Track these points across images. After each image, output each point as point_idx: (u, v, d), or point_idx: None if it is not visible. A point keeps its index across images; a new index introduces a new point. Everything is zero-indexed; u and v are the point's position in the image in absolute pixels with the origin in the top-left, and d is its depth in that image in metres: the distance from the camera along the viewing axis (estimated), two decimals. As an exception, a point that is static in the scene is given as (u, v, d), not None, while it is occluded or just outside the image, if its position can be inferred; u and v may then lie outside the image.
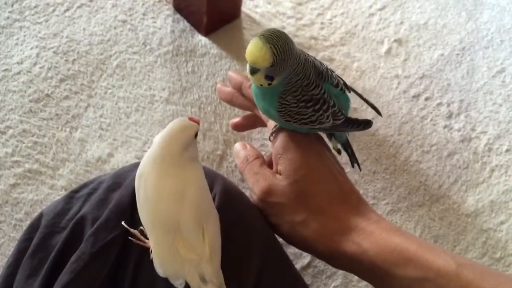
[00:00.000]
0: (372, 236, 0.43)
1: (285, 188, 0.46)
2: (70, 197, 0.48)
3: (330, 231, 0.45)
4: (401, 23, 0.85)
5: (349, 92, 0.49)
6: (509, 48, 0.84)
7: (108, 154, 0.67)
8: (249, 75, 0.42)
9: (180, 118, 0.42)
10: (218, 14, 0.77)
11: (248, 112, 0.57)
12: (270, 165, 0.51)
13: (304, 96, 0.44)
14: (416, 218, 0.69)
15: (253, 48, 0.40)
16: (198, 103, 0.72)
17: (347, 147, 0.54)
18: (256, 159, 0.50)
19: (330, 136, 0.52)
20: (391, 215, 0.69)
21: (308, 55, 0.45)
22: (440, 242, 0.68)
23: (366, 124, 0.49)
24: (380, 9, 0.85)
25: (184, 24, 0.78)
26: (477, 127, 0.77)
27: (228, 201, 0.46)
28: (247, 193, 0.52)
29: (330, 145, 0.53)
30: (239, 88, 0.53)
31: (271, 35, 0.40)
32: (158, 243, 0.41)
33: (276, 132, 0.49)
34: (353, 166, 0.55)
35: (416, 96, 0.78)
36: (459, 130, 0.76)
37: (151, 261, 0.43)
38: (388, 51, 0.82)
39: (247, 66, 0.42)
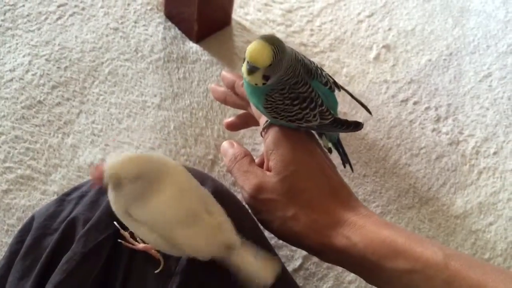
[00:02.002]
0: (362, 230, 0.44)
1: (276, 185, 0.47)
2: (62, 200, 0.48)
3: (320, 225, 0.45)
4: (389, 29, 0.86)
5: (339, 90, 0.50)
6: (495, 53, 0.86)
7: (100, 160, 0.68)
8: (245, 75, 0.43)
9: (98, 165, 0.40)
10: (209, 21, 0.78)
11: (241, 112, 0.57)
12: (260, 164, 0.51)
13: (291, 94, 0.45)
14: (406, 220, 0.70)
15: (256, 48, 0.42)
16: (189, 108, 0.73)
17: (339, 146, 0.54)
18: (244, 157, 0.50)
19: (320, 135, 0.53)
20: (381, 217, 0.70)
21: (298, 53, 0.46)
22: (430, 243, 0.69)
23: (356, 125, 0.50)
24: (369, 16, 0.87)
25: (175, 31, 0.78)
26: (465, 130, 0.78)
27: (219, 201, 0.46)
28: (238, 196, 0.52)
29: (321, 143, 0.53)
30: (232, 87, 0.54)
31: (270, 38, 0.42)
32: (192, 238, 0.41)
33: (267, 127, 0.50)
34: (344, 166, 0.56)
35: (405, 101, 0.79)
36: (447, 134, 0.77)
37: (142, 261, 0.43)
38: (377, 57, 0.83)
39: (245, 66, 0.43)
